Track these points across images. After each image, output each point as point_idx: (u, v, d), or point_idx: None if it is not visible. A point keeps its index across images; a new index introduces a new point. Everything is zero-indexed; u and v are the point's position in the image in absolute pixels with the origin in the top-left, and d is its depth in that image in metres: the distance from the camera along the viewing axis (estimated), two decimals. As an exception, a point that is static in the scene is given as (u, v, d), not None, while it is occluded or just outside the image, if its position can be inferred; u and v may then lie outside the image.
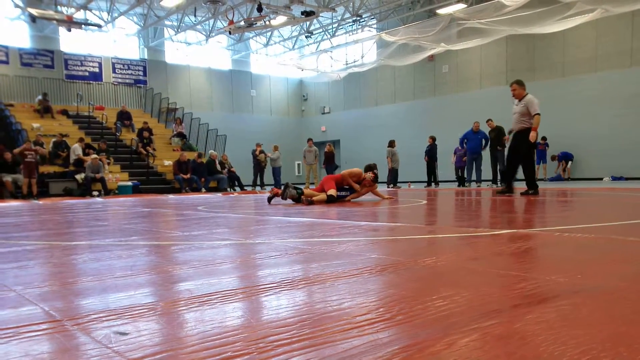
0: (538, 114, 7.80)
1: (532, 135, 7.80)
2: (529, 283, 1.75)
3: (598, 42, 16.95)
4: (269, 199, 7.85)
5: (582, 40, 17.24)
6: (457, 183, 15.31)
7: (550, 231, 3.30)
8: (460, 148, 14.96)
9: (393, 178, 15.79)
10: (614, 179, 15.31)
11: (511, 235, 3.20)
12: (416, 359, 1.06)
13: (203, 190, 16.13)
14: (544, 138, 17.68)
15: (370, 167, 7.85)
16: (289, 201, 7.68)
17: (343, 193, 7.64)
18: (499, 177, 13.55)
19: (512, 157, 8.26)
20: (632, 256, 2.33)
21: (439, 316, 1.37)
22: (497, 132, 13.34)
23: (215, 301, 1.61)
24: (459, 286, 1.75)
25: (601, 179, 15.76)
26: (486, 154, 13.96)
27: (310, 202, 7.36)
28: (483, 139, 14.02)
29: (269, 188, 17.43)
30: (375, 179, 7.82)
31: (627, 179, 15.47)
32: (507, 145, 8.34)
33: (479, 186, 13.81)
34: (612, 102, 16.40)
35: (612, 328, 1.24)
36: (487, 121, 13.70)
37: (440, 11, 17.37)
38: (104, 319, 1.43)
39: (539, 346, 1.12)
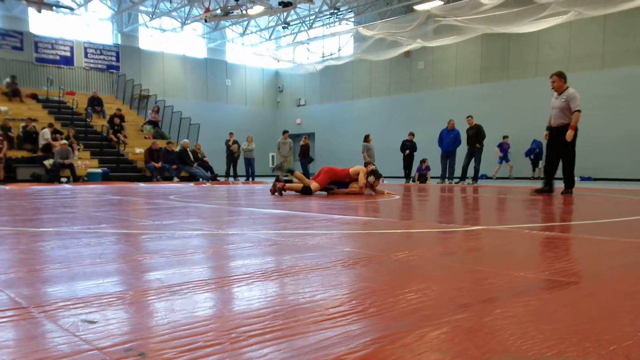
0: (578, 110, 7.40)
1: (569, 134, 7.39)
2: (498, 279, 1.78)
3: (571, 44, 17.29)
4: (280, 191, 7.42)
5: (555, 41, 17.55)
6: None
7: (520, 228, 3.37)
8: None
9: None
10: (583, 179, 15.65)
11: (482, 231, 3.25)
12: (388, 350, 1.07)
13: (175, 179, 15.94)
14: (505, 137, 17.89)
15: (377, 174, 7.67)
16: (272, 193, 7.63)
17: (332, 186, 7.55)
18: (473, 175, 13.61)
19: (551, 155, 7.82)
20: (599, 254, 2.39)
21: (411, 309, 1.38)
22: (476, 130, 13.39)
23: (186, 291, 1.59)
24: (431, 280, 1.77)
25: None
26: (461, 152, 13.97)
27: (281, 190, 7.32)
28: (456, 137, 14.03)
29: (242, 179, 17.35)
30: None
31: (595, 179, 15.83)
32: (546, 142, 7.90)
33: (450, 183, 13.92)
34: (582, 103, 16.77)
35: (578, 324, 1.27)
36: (467, 117, 13.75)
37: (418, 7, 17.46)
38: (71, 306, 1.40)
39: (507, 340, 1.14)
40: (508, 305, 1.43)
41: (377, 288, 1.65)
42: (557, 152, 7.66)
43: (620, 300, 1.50)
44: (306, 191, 7.36)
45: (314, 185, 7.40)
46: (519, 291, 1.60)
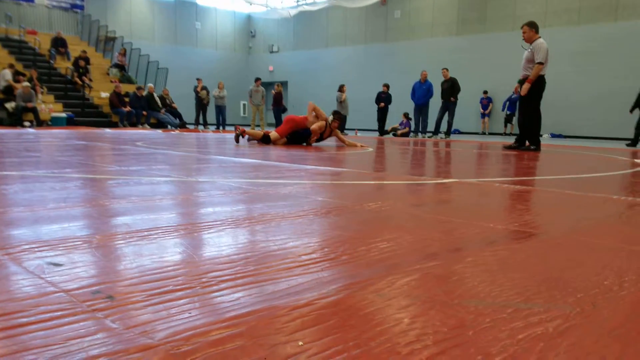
0: (540, 62, 7.03)
1: (524, 87, 7.12)
2: (468, 229, 1.80)
3: (548, -2, 17.20)
4: (237, 137, 7.54)
5: (532, -5, 17.44)
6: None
7: (491, 182, 3.41)
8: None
9: (341, 125, 15.62)
10: (553, 136, 15.86)
11: (454, 184, 3.28)
12: (359, 295, 1.07)
13: (145, 125, 15.57)
14: (485, 92, 17.99)
15: (337, 115, 7.66)
16: (243, 142, 7.55)
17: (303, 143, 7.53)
18: (446, 129, 13.57)
19: (521, 110, 7.60)
20: (568, 208, 2.44)
21: (382, 257, 1.39)
22: (451, 83, 13.28)
23: (155, 236, 1.57)
24: (402, 230, 1.78)
25: (541, 135, 16.33)
26: (435, 105, 13.90)
27: (239, 136, 7.46)
28: (428, 89, 13.91)
29: (212, 128, 17.07)
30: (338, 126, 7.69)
31: (565, 136, 16.08)
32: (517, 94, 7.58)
33: (424, 137, 13.95)
34: (556, 59, 16.74)
35: (546, 273, 1.29)
36: (443, 70, 13.61)
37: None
38: (36, 249, 1.36)
39: (477, 287, 1.15)
40: (478, 254, 1.45)
41: (349, 236, 1.65)
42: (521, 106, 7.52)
43: (587, 252, 1.54)
44: (265, 140, 7.37)
45: (273, 134, 7.37)
46: (488, 241, 1.62)
